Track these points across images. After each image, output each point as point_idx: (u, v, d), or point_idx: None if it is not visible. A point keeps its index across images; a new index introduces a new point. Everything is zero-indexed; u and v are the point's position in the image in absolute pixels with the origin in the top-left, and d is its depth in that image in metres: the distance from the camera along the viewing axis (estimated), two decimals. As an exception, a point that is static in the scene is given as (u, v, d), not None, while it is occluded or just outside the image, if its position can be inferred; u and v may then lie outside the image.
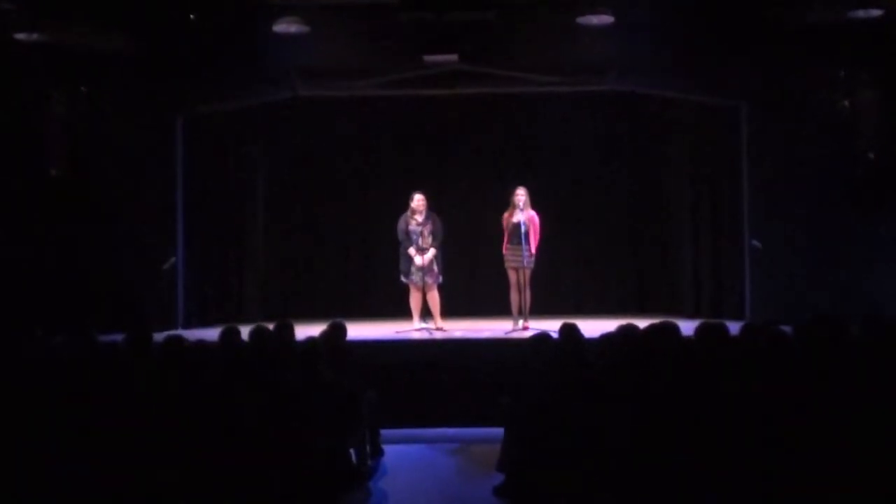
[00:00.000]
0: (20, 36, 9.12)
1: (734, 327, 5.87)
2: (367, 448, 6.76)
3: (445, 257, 9.90)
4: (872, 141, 9.62)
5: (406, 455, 7.32)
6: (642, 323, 5.95)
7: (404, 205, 9.84)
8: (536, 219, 9.57)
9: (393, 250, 9.96)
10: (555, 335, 6.23)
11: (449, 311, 9.95)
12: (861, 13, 8.97)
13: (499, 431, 6.10)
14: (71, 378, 5.32)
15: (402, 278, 9.73)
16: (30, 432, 4.80)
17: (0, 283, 9.48)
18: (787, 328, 5.59)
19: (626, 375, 5.13)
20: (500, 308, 10.26)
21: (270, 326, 6.55)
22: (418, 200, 9.62)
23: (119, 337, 6.15)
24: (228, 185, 11.42)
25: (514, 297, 9.61)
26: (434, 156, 11.99)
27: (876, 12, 8.93)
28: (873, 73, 9.60)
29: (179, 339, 5.98)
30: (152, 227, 10.22)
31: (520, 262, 9.40)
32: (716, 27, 9.63)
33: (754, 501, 4.40)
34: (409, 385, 8.31)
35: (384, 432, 7.26)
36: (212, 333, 7.04)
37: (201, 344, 5.98)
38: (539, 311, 9.92)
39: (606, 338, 5.81)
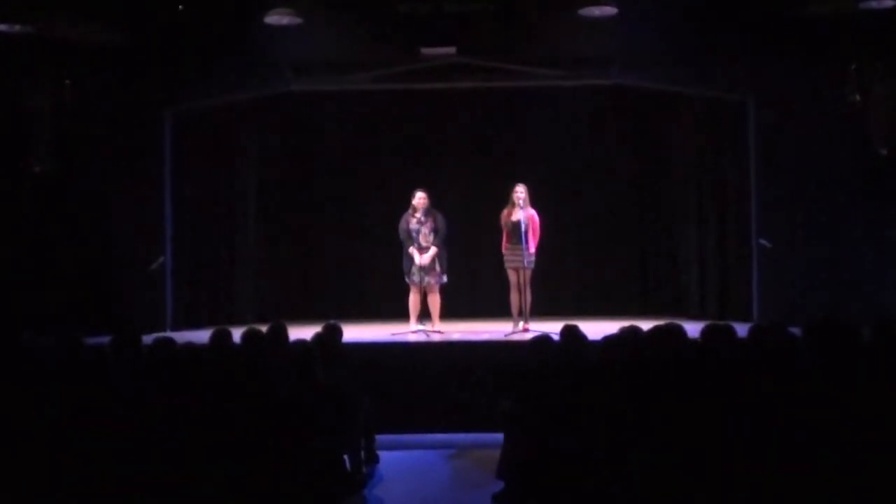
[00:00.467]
0: (1, 27, 9.10)
1: (741, 329, 5.87)
2: (363, 454, 6.77)
3: (441, 257, 9.87)
4: (884, 136, 9.63)
5: (403, 462, 7.33)
6: (646, 324, 5.96)
7: (400, 202, 9.84)
8: (536, 217, 9.58)
9: (389, 249, 9.96)
10: (556, 337, 6.24)
11: (447, 313, 9.95)
12: (873, 4, 8.96)
13: (498, 437, 6.11)
14: (56, 383, 5.32)
15: (406, 278, 9.73)
16: (15, 438, 4.80)
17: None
18: (795, 330, 5.60)
19: (629, 379, 5.14)
20: (499, 309, 10.26)
21: (263, 328, 6.55)
22: (419, 198, 9.62)
23: (105, 340, 6.15)
24: (219, 181, 11.41)
25: (513, 297, 9.62)
26: (431, 152, 11.99)
27: (888, 3, 8.93)
28: (886, 66, 9.61)
29: (169, 341, 5.98)
30: (140, 226, 10.23)
31: (520, 261, 9.41)
32: (722, 19, 9.62)
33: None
34: (406, 389, 8.32)
35: (380, 438, 7.27)
36: (202, 336, 7.04)
37: (191, 347, 5.99)
38: (540, 312, 9.93)
39: (609, 340, 5.82)
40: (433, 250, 9.60)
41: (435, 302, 9.72)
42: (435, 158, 11.94)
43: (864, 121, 9.68)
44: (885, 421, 4.44)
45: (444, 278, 9.71)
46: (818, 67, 9.80)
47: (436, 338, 9.38)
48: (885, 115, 9.62)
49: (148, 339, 6.24)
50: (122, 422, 4.87)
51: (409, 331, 9.65)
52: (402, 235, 9.65)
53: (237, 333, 6.37)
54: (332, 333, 6.97)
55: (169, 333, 9.12)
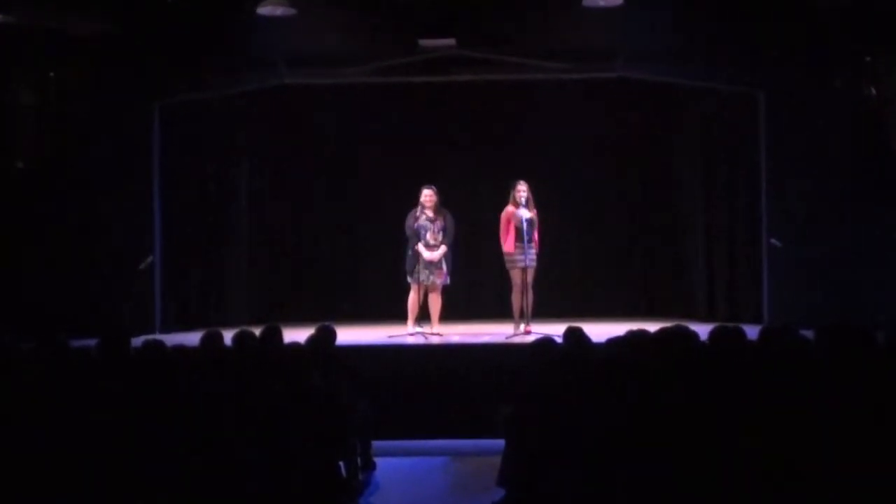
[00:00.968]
0: (-18, 17, 9.12)
1: (751, 332, 5.87)
2: (358, 461, 6.77)
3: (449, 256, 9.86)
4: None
5: (399, 468, 7.33)
6: (652, 327, 5.96)
7: (397, 199, 9.85)
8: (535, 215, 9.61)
9: (384, 249, 9.96)
10: (559, 340, 6.24)
11: (446, 315, 9.95)
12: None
13: (499, 443, 6.11)
14: (40, 388, 5.31)
15: (408, 278, 9.72)
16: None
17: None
18: (807, 333, 5.60)
19: (635, 383, 5.14)
20: (500, 311, 10.27)
21: (256, 330, 6.55)
22: (427, 195, 9.61)
23: (92, 342, 6.15)
24: (210, 178, 11.42)
25: (516, 298, 9.61)
26: (429, 148, 11.99)
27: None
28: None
29: (158, 343, 5.98)
30: (127, 224, 10.22)
31: (525, 261, 9.40)
32: (731, 10, 9.64)
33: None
34: (404, 393, 8.32)
35: (376, 444, 7.27)
36: (192, 338, 7.04)
37: (181, 349, 5.98)
38: (542, 313, 9.93)
39: (614, 343, 5.82)
40: (443, 248, 9.60)
41: (436, 303, 9.72)
42: (433, 154, 11.94)
43: (880, 115, 9.68)
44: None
45: (448, 280, 9.71)
46: (831, 60, 9.80)
47: (434, 340, 9.37)
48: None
49: (136, 341, 6.24)
50: (109, 427, 4.87)
51: (406, 333, 9.64)
52: (409, 233, 9.64)
53: (229, 335, 6.37)
54: (327, 335, 6.97)
55: (158, 335, 9.14)
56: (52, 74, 9.87)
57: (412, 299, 9.71)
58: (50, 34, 9.62)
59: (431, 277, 9.57)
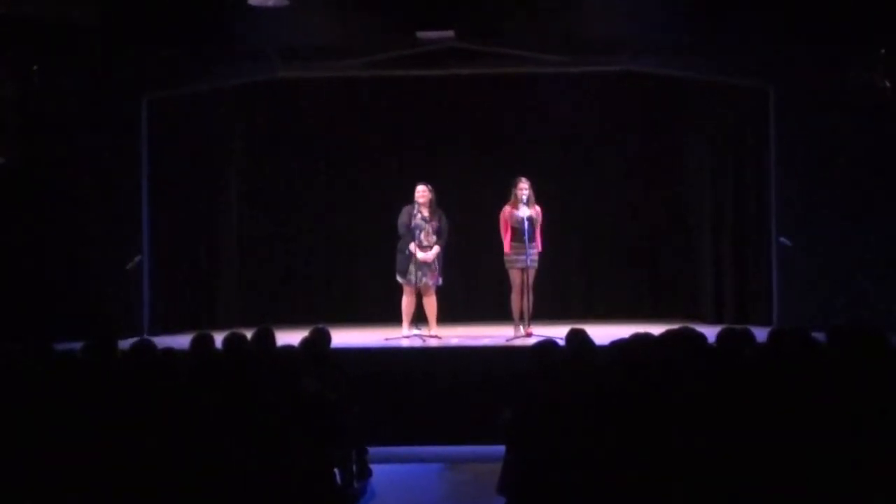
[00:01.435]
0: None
1: (760, 334, 5.88)
2: (354, 468, 6.77)
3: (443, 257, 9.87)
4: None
5: (397, 476, 7.33)
6: (658, 329, 5.96)
7: (394, 197, 9.85)
8: (540, 214, 9.60)
9: (381, 248, 9.96)
10: (561, 342, 6.24)
11: (444, 317, 9.96)
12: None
13: (499, 449, 6.11)
14: (23, 392, 5.31)
15: (399, 278, 9.72)
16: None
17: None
18: (819, 335, 5.61)
19: (640, 388, 5.14)
20: (500, 313, 10.27)
21: (247, 333, 6.55)
22: (421, 192, 9.61)
23: (77, 345, 6.14)
24: (200, 175, 11.41)
25: (516, 300, 9.62)
26: (427, 144, 12.00)
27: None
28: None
29: (147, 346, 5.98)
30: (114, 222, 10.21)
31: (526, 261, 9.40)
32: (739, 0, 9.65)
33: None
34: (401, 398, 8.32)
35: (372, 450, 7.26)
36: (181, 341, 7.04)
37: (170, 353, 5.98)
38: (543, 315, 9.94)
39: (618, 346, 5.82)
40: (436, 249, 9.59)
41: (431, 304, 9.72)
42: (431, 151, 11.95)
43: (895, 109, 9.67)
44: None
45: (440, 281, 9.71)
46: (844, 52, 9.79)
47: (432, 343, 9.38)
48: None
49: (124, 344, 6.24)
50: (95, 433, 4.87)
51: (402, 335, 9.65)
52: (402, 230, 9.63)
53: (219, 338, 6.37)
54: (321, 338, 6.97)
55: (147, 338, 9.14)
56: (35, 67, 9.84)
57: (406, 301, 9.71)
58: (33, 25, 9.60)
59: (424, 279, 9.57)
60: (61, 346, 6.36)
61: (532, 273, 9.51)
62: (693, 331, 5.84)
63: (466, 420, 8.12)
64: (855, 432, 4.49)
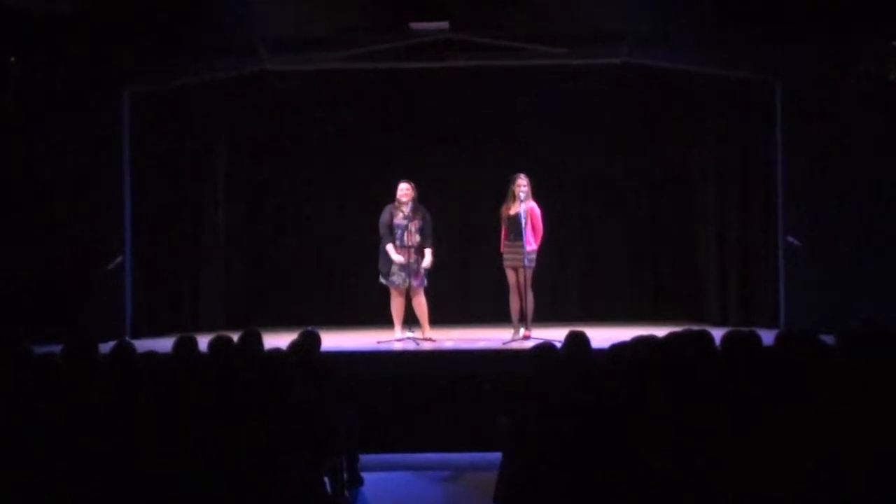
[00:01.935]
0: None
1: (767, 337, 5.88)
2: (344, 476, 6.77)
3: (435, 257, 9.85)
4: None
5: (389, 484, 7.34)
6: (660, 331, 5.96)
7: (386, 194, 9.83)
8: (538, 210, 9.60)
9: (373, 247, 9.94)
10: (559, 345, 6.24)
11: (439, 319, 9.95)
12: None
13: (496, 457, 6.11)
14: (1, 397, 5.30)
15: (382, 280, 9.72)
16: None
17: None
18: (828, 338, 5.61)
19: (642, 392, 5.14)
20: (497, 314, 10.27)
21: (233, 336, 6.54)
22: (403, 190, 9.61)
23: (57, 348, 6.13)
24: (184, 172, 11.39)
25: (513, 301, 9.62)
26: (421, 139, 11.99)
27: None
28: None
29: (129, 349, 5.97)
30: (95, 221, 10.19)
31: (518, 260, 9.41)
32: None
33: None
34: (393, 403, 8.32)
35: (364, 458, 7.27)
36: (164, 344, 7.03)
37: (152, 356, 5.97)
38: (542, 317, 9.94)
39: (619, 348, 5.82)
40: (429, 256, 9.57)
41: (421, 306, 9.71)
42: (425, 146, 11.94)
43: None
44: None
45: (426, 280, 9.70)
46: (854, 44, 9.80)
47: (426, 346, 9.38)
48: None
49: (105, 347, 6.22)
50: (74, 441, 4.86)
51: (395, 338, 9.64)
52: (383, 230, 9.63)
53: (204, 341, 6.36)
54: (311, 341, 6.97)
55: (128, 341, 9.11)
56: (12, 59, 9.82)
57: (396, 303, 9.70)
58: (10, 15, 9.57)
59: (408, 280, 9.56)
60: (39, 350, 6.34)
61: (529, 273, 9.49)
62: (701, 331, 5.84)
63: (462, 426, 8.12)
64: (866, 439, 4.49)
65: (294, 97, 11.76)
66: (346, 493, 6.75)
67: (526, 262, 9.41)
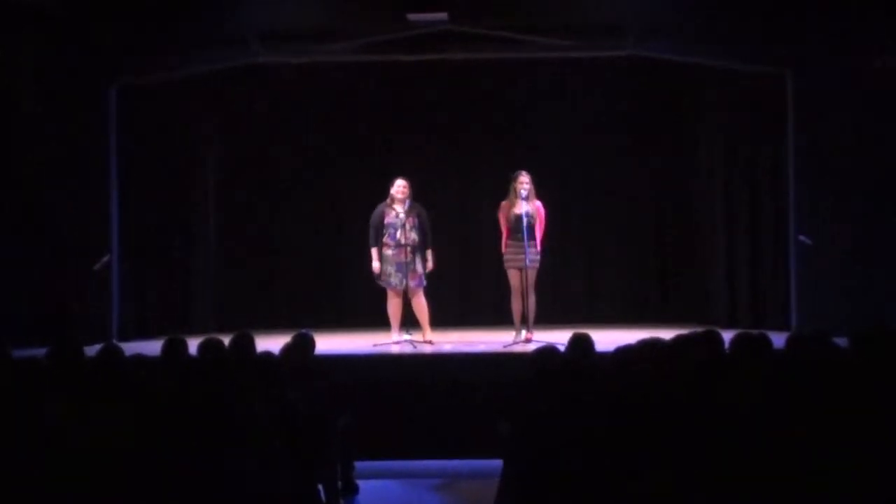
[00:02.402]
0: None
1: (778, 339, 5.88)
2: (339, 484, 6.76)
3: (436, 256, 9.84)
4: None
5: (385, 492, 7.34)
6: (667, 334, 5.96)
7: (383, 193, 9.82)
8: (542, 210, 9.59)
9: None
10: (563, 348, 6.23)
11: (437, 321, 9.94)
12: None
13: (496, 464, 6.10)
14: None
15: (378, 281, 9.70)
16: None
17: None
18: (840, 341, 5.60)
19: (648, 398, 5.13)
20: (498, 316, 10.27)
21: (224, 339, 6.53)
22: (399, 187, 9.58)
23: (40, 351, 6.12)
24: (174, 168, 11.41)
25: (515, 303, 9.61)
26: (419, 135, 12.00)
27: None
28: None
29: (116, 352, 5.95)
30: (81, 219, 10.18)
31: (524, 261, 9.40)
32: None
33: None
34: (389, 409, 8.31)
35: (359, 465, 7.27)
36: (153, 347, 7.02)
37: (141, 359, 5.96)
38: (543, 319, 9.94)
39: (624, 351, 5.81)
40: (430, 259, 9.56)
41: (421, 307, 9.69)
42: (423, 142, 11.96)
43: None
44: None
45: (425, 280, 9.68)
46: (867, 35, 9.79)
47: (425, 349, 9.37)
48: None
49: (91, 350, 6.22)
50: (58, 447, 4.85)
51: (392, 341, 9.63)
52: (371, 231, 9.59)
53: (194, 344, 6.35)
54: (305, 344, 6.96)
55: (115, 343, 9.11)
56: (-5, 52, 9.83)
57: (392, 304, 9.68)
58: (-6, 7, 9.58)
59: (405, 281, 9.53)
60: (21, 353, 6.33)
61: (532, 274, 9.49)
62: (709, 332, 5.84)
63: (461, 433, 8.11)
64: (881, 446, 4.48)
65: (287, 91, 11.76)
66: (341, 501, 6.74)
67: (528, 263, 9.41)
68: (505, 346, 9.29)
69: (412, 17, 9.92)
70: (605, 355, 6.08)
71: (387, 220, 9.55)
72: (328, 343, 8.85)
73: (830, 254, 9.93)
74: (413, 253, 9.55)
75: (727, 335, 5.88)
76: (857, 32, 9.78)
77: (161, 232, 11.23)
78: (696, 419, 4.84)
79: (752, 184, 11.00)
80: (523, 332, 9.52)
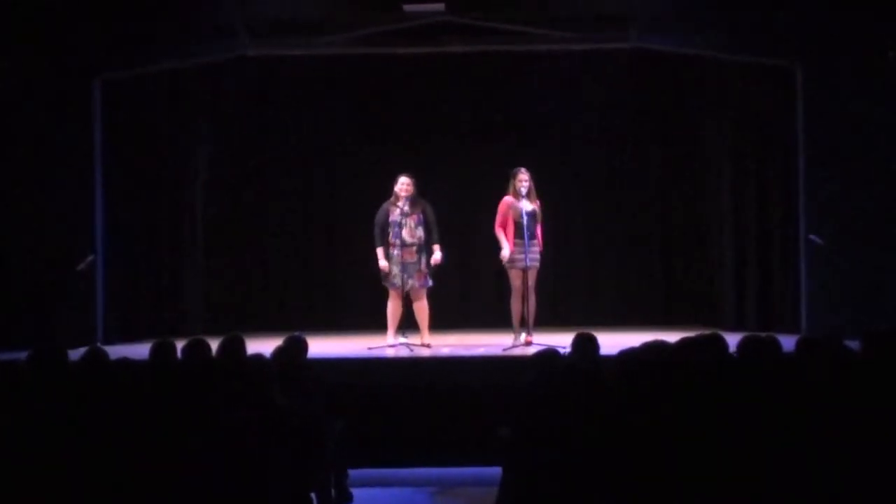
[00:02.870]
0: None
1: (787, 342, 5.88)
2: (333, 492, 6.76)
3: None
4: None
5: (380, 501, 7.34)
6: (672, 336, 5.96)
7: (377, 190, 9.81)
8: (540, 208, 9.59)
9: (365, 246, 9.92)
10: (564, 351, 6.23)
11: (435, 323, 9.92)
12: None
13: (496, 471, 6.10)
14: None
15: (383, 281, 9.67)
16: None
17: None
18: (852, 343, 5.60)
19: (652, 402, 5.14)
20: (497, 318, 10.26)
21: (213, 342, 6.52)
22: (403, 184, 9.51)
23: (22, 355, 6.11)
24: (160, 164, 11.38)
25: (515, 304, 9.60)
26: (415, 130, 11.98)
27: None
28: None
29: (100, 355, 5.95)
30: (64, 218, 10.17)
31: (526, 260, 9.38)
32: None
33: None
34: (385, 414, 8.31)
35: (353, 472, 7.26)
36: (140, 350, 7.02)
37: (127, 363, 5.96)
38: (544, 321, 9.94)
39: (628, 355, 5.81)
40: (438, 253, 9.52)
41: (422, 310, 9.66)
42: (420, 138, 11.93)
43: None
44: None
45: (431, 281, 9.66)
46: (880, 27, 9.79)
47: (422, 353, 9.36)
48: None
49: (75, 354, 6.21)
50: (41, 453, 4.85)
51: (387, 344, 9.62)
52: (377, 230, 9.56)
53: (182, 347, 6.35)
54: (297, 347, 6.95)
55: (100, 346, 9.10)
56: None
57: (392, 306, 9.66)
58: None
59: (410, 281, 9.51)
60: (3, 356, 6.33)
61: (533, 273, 9.50)
62: (713, 335, 5.84)
63: (459, 439, 8.11)
64: (894, 449, 4.48)
65: (278, 86, 11.75)
66: (335, 510, 6.75)
67: (529, 262, 9.40)
68: (504, 350, 9.28)
69: (408, 8, 9.92)
70: (608, 358, 6.07)
71: (391, 219, 9.49)
72: (321, 346, 8.85)
73: (842, 253, 9.93)
74: (419, 252, 9.53)
75: (735, 338, 5.88)
76: (868, 23, 9.77)
77: (148, 230, 11.20)
78: (701, 424, 4.85)
79: (761, 180, 10.98)
80: (523, 335, 9.52)
